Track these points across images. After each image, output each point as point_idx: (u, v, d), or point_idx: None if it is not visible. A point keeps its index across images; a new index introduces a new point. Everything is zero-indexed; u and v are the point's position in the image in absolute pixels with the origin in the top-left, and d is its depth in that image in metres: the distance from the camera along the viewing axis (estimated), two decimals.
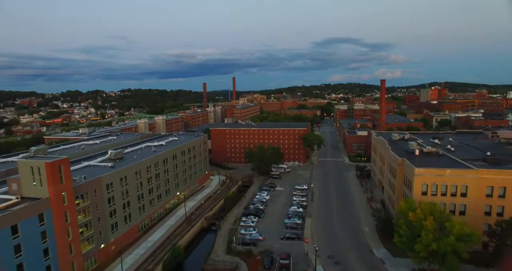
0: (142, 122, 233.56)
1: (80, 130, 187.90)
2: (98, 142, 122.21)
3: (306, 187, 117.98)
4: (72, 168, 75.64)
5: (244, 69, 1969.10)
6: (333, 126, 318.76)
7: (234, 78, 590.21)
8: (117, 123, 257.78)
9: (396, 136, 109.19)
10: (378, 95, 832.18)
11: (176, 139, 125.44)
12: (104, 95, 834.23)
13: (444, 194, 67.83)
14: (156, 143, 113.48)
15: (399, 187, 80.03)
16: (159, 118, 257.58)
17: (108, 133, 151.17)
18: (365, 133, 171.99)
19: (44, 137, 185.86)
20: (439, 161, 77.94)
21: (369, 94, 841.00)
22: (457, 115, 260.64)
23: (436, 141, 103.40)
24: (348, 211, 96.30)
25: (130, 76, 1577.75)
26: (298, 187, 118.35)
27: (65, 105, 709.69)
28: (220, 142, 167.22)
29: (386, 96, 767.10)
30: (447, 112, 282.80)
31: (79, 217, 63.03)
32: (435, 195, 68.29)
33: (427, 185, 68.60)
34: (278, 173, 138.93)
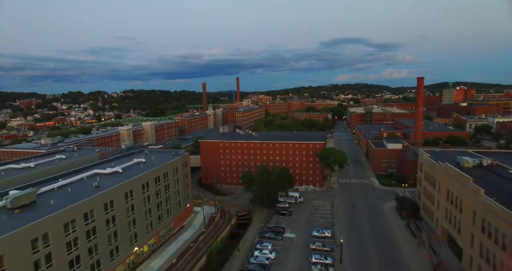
0: (124, 130, 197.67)
1: (42, 141, 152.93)
2: (32, 165, 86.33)
3: (329, 234, 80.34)
4: None
5: (250, 69, 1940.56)
6: (348, 131, 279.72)
7: (238, 79, 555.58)
8: (97, 129, 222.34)
9: (468, 161, 71.01)
10: (388, 96, 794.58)
11: (144, 160, 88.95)
12: (106, 96, 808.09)
13: None
14: (108, 170, 77.02)
15: None
16: (147, 124, 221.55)
17: (63, 149, 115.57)
18: (398, 146, 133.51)
19: None
20: None
21: (379, 95, 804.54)
22: (498, 120, 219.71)
23: None
24: None
25: (136, 77, 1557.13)
26: (317, 234, 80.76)
27: (64, 107, 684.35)
28: (212, 158, 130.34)
29: (396, 97, 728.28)
30: (483, 116, 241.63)
31: None
32: None
33: None
34: (288, 205, 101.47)
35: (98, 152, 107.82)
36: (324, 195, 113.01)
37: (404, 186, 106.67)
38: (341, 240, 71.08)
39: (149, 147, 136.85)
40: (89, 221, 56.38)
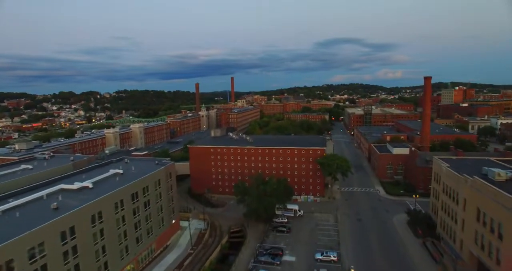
0: (110, 133, 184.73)
1: (17, 146, 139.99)
2: None
3: (335, 257, 69.26)
4: None
5: (246, 69, 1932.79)
6: (347, 133, 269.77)
7: (232, 79, 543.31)
8: (82, 132, 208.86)
9: (500, 174, 60.46)
10: (383, 96, 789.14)
11: (121, 171, 77.08)
12: (99, 96, 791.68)
13: None
14: (75, 186, 65.01)
15: None
16: (136, 127, 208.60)
17: (34, 157, 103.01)
18: (404, 151, 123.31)
19: None
20: None
21: (374, 95, 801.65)
22: (502, 121, 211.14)
23: None
24: None
25: (132, 77, 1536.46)
26: (321, 257, 69.62)
27: (54, 108, 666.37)
28: (203, 165, 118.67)
29: (392, 97, 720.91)
30: (485, 117, 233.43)
31: None
32: None
33: None
34: (286, 220, 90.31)
35: (73, 160, 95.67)
36: (326, 207, 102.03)
37: (415, 197, 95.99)
38: (352, 270, 60.00)
39: (133, 153, 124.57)
40: (37, 257, 44.47)
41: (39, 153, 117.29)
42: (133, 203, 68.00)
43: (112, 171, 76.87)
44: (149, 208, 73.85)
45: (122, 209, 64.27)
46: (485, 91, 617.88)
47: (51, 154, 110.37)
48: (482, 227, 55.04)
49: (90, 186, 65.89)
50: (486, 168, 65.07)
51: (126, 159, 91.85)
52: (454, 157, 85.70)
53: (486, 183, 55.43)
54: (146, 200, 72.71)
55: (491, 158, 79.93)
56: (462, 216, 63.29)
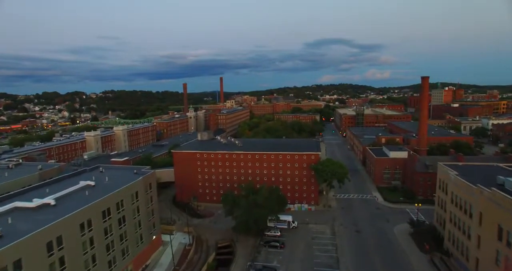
0: (91, 136, 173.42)
1: None
2: None
3: None
4: None
5: (235, 70, 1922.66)
6: (338, 135, 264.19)
7: (221, 79, 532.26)
8: (61, 135, 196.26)
9: None
10: (372, 96, 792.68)
11: (93, 183, 67.52)
12: (84, 97, 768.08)
13: None
14: (33, 203, 55.33)
15: None
16: (119, 129, 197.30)
17: None
18: (402, 155, 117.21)
19: None
20: None
21: (363, 95, 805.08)
22: (494, 122, 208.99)
23: None
24: None
25: (120, 78, 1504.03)
26: None
27: (36, 108, 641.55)
28: (188, 171, 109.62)
29: (381, 97, 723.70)
30: (477, 118, 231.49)
31: None
32: None
33: None
34: (279, 233, 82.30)
35: (41, 169, 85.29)
36: (321, 216, 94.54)
37: (418, 205, 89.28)
38: None
39: (112, 159, 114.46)
40: None
41: (6, 159, 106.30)
42: (104, 221, 58.72)
43: (82, 183, 67.23)
44: (124, 225, 64.64)
45: (90, 230, 54.97)
46: (469, 91, 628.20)
47: (20, 161, 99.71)
48: (506, 247, 48.24)
49: (52, 202, 56.36)
50: (502, 177, 58.62)
51: (101, 168, 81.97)
52: (460, 163, 79.35)
53: (508, 196, 48.69)
54: (120, 217, 63.50)
55: (501, 164, 73.94)
56: (478, 232, 56.57)
